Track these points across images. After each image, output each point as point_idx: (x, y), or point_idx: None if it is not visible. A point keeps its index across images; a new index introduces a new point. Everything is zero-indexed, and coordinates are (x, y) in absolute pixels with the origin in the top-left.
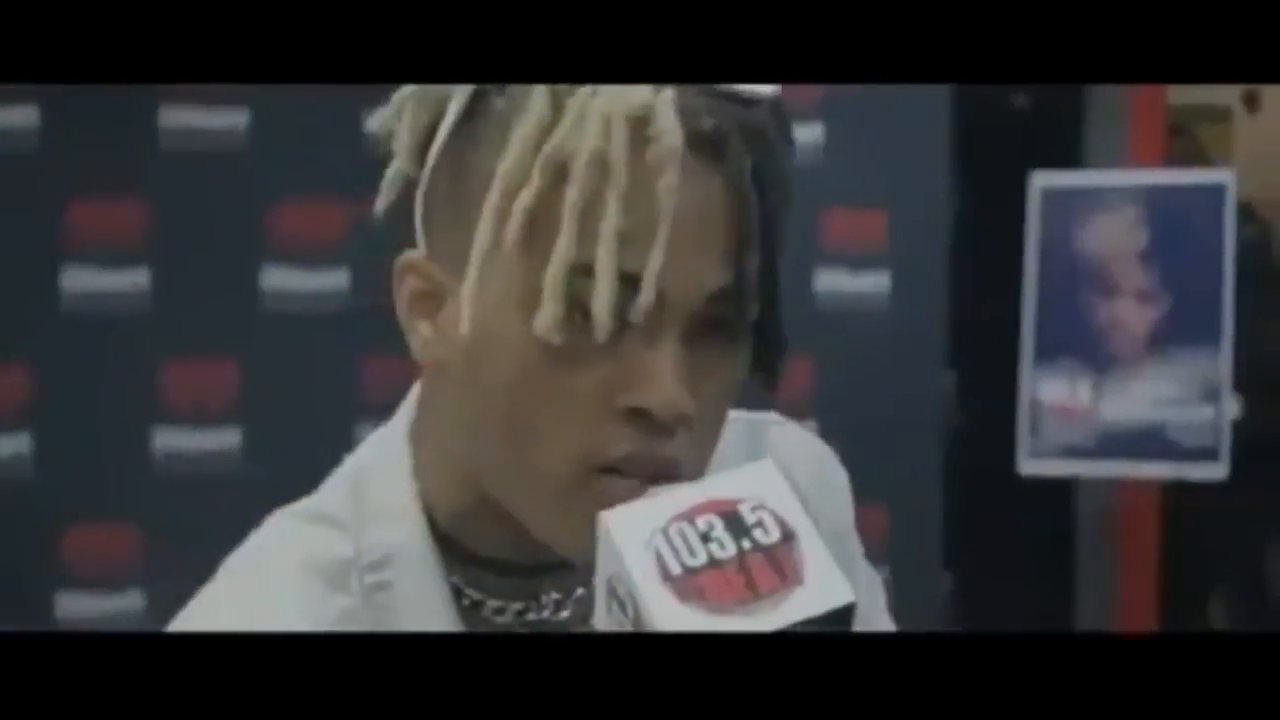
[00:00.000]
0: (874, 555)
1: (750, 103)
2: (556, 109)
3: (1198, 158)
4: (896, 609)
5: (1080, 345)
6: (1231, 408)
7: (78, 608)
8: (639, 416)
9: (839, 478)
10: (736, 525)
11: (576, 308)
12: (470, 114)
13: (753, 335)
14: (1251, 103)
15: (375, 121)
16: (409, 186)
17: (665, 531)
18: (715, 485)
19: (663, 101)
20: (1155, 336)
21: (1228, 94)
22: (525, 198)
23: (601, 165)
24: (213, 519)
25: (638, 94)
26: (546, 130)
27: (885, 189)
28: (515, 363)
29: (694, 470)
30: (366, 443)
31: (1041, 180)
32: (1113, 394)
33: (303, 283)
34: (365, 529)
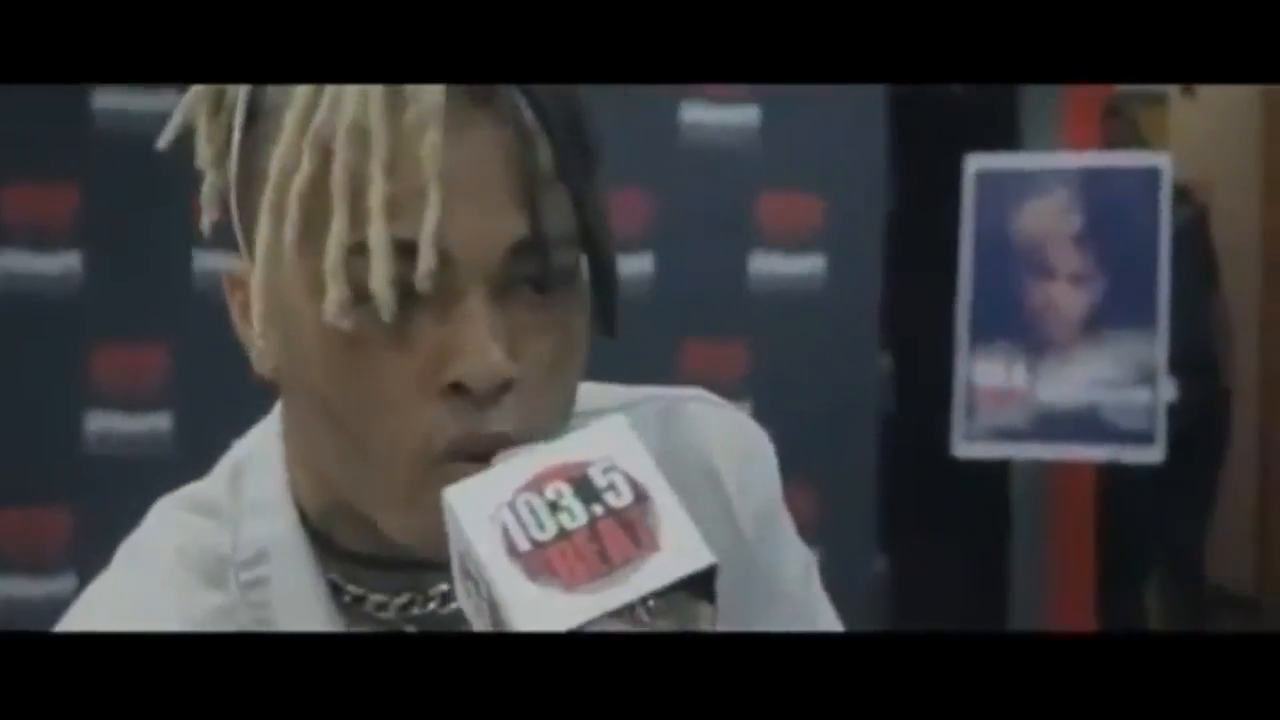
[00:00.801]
0: (808, 537)
1: None
2: (318, 90)
3: (1133, 140)
4: (830, 590)
5: (1015, 328)
6: (1167, 391)
7: (9, 591)
8: (458, 392)
9: (764, 450)
10: (586, 490)
11: (363, 290)
12: (252, 114)
13: (589, 286)
14: (1188, 88)
15: (166, 136)
16: (225, 199)
17: (512, 505)
18: (563, 447)
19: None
20: (1091, 319)
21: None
22: (297, 184)
23: (361, 136)
24: (144, 503)
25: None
26: (311, 110)
27: (820, 173)
28: (321, 357)
29: (534, 436)
30: (253, 429)
31: (976, 163)
32: (1048, 377)
33: (236, 266)
34: (241, 522)
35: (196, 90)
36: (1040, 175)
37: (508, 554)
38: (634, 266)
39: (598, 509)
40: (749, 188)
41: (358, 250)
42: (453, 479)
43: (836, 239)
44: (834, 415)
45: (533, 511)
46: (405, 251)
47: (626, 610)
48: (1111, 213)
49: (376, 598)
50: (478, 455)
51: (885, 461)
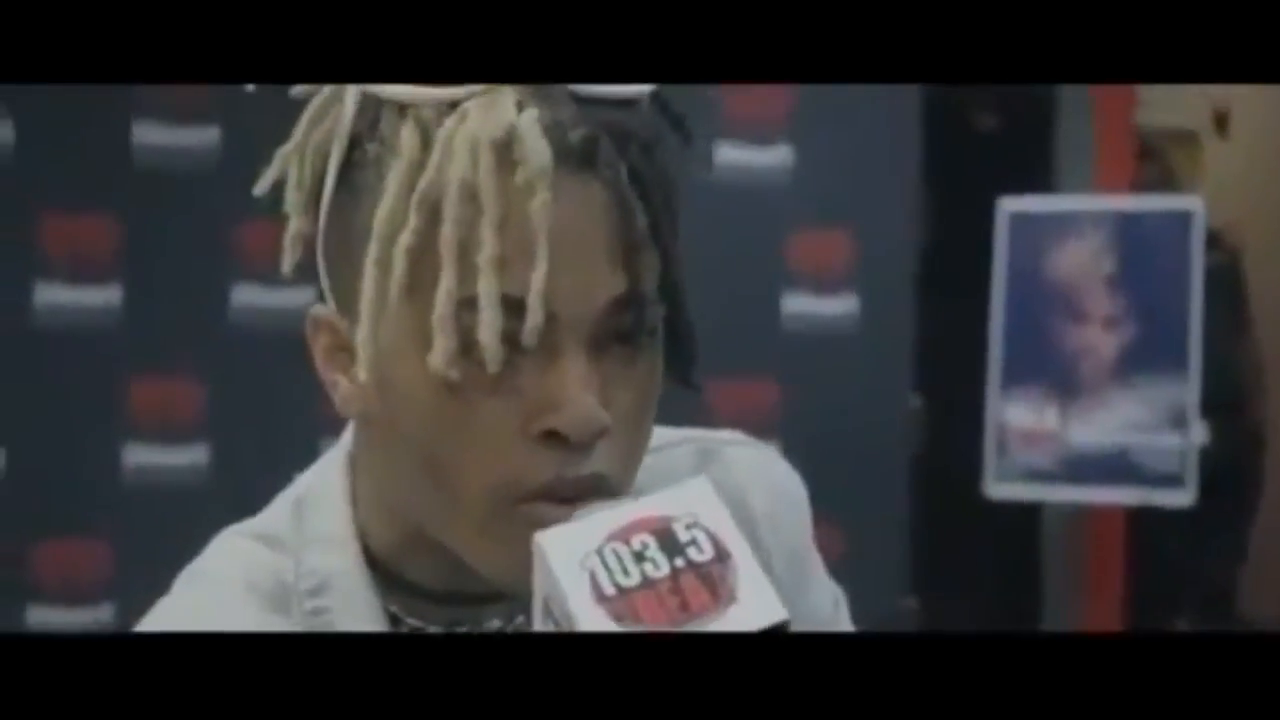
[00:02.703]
0: (838, 575)
1: (621, 104)
2: (425, 146)
3: (1167, 181)
4: (859, 629)
5: (1047, 370)
6: (1198, 434)
7: (49, 621)
8: (553, 439)
9: (798, 492)
10: (670, 543)
11: (469, 341)
12: (349, 163)
13: (664, 338)
14: (1221, 126)
15: (263, 183)
16: (309, 242)
17: (600, 552)
18: (650, 503)
19: (527, 121)
20: (1122, 362)
21: (1197, 117)
22: (404, 240)
23: (471, 196)
24: (182, 534)
25: (501, 117)
26: (418, 169)
27: (853, 212)
28: (422, 405)
29: (620, 480)
30: (314, 466)
31: (1009, 205)
32: (1079, 419)
33: (271, 299)
34: (304, 553)
35: (293, 141)
36: (1073, 217)
37: (594, 599)
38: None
39: (680, 561)
40: (780, 227)
41: (466, 304)
42: (537, 516)
43: (868, 279)
44: (865, 455)
45: (619, 559)
46: (512, 307)
47: None
48: (1144, 255)
49: (434, 630)
50: (568, 498)
51: (916, 501)
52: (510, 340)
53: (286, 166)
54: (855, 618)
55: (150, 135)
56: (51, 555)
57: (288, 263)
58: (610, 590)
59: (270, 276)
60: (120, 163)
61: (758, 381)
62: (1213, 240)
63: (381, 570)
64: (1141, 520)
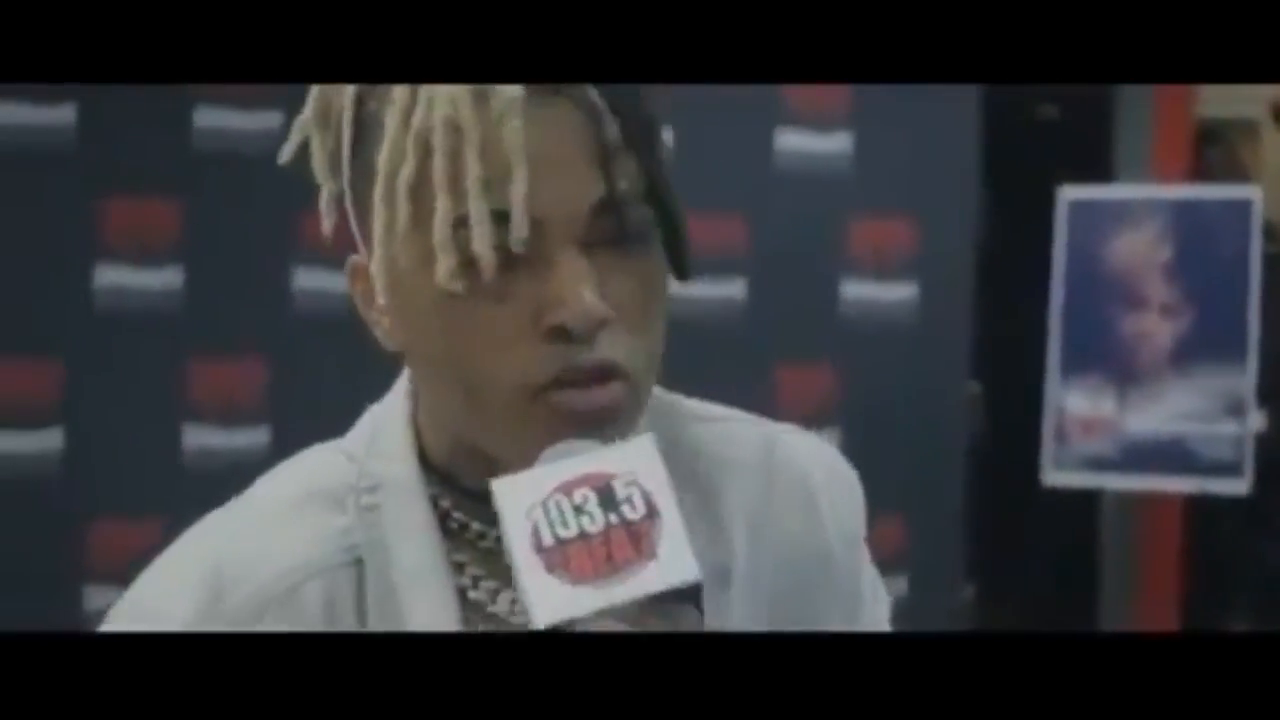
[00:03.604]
0: (897, 564)
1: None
2: (414, 95)
3: (1225, 171)
4: (917, 618)
5: (1106, 358)
6: (1255, 423)
7: (107, 603)
8: (558, 333)
9: (853, 480)
10: (608, 499)
11: (469, 256)
12: (357, 123)
13: (659, 232)
14: (1278, 118)
15: (285, 154)
16: (341, 203)
17: (544, 504)
18: (596, 459)
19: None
20: (1180, 350)
21: (1254, 108)
22: (404, 174)
23: (456, 129)
24: None
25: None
26: (410, 113)
27: (913, 199)
28: (437, 319)
29: (632, 368)
30: (392, 389)
31: (1069, 193)
32: (1137, 407)
33: (333, 283)
34: (369, 463)
35: (308, 110)
36: (1132, 206)
37: (534, 548)
38: (727, 291)
39: (614, 518)
40: (841, 214)
41: (461, 224)
42: (557, 404)
43: (928, 266)
44: (924, 443)
45: (561, 512)
46: (502, 220)
47: (619, 608)
48: (1202, 244)
49: (477, 526)
50: (579, 383)
51: (974, 489)
52: (504, 250)
53: (306, 135)
54: (913, 604)
55: (211, 119)
56: (110, 537)
57: (327, 224)
58: (549, 541)
59: (331, 260)
60: (182, 146)
61: (816, 368)
62: (1270, 230)
63: (437, 475)
64: (1198, 507)
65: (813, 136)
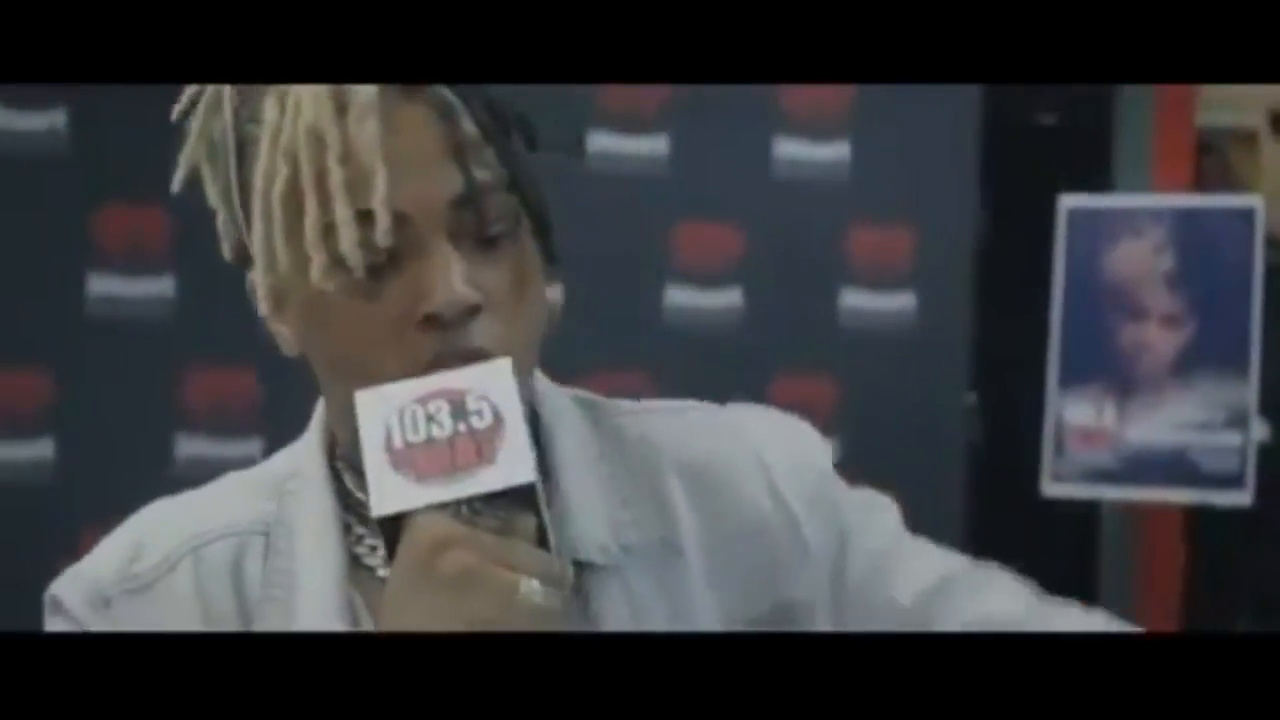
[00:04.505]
0: None
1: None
2: (282, 110)
3: (1226, 180)
4: None
5: (1106, 368)
6: (1258, 433)
7: None
8: (431, 322)
9: (810, 439)
10: (459, 410)
11: (339, 256)
12: (240, 148)
13: (526, 220)
14: (1277, 126)
15: (177, 182)
16: (238, 224)
17: (400, 411)
18: (456, 376)
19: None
20: (1181, 360)
21: (1254, 117)
22: (277, 188)
23: (319, 138)
24: None
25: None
26: (279, 130)
27: (911, 207)
28: (318, 318)
29: (508, 351)
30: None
31: (1069, 202)
32: (1138, 418)
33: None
34: (292, 458)
35: (191, 143)
36: (1133, 214)
37: (384, 448)
38: (724, 301)
39: (462, 426)
40: (838, 222)
41: (330, 228)
42: None
43: (926, 275)
44: (922, 453)
45: (414, 419)
46: (368, 219)
47: (454, 505)
48: (1204, 253)
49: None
50: (452, 368)
51: (973, 499)
52: (372, 247)
53: (192, 166)
54: None
55: None
56: None
57: (226, 251)
58: (399, 444)
59: None
60: (172, 154)
61: (814, 377)
62: (1271, 240)
63: (344, 463)
64: (1199, 520)
65: (810, 145)
